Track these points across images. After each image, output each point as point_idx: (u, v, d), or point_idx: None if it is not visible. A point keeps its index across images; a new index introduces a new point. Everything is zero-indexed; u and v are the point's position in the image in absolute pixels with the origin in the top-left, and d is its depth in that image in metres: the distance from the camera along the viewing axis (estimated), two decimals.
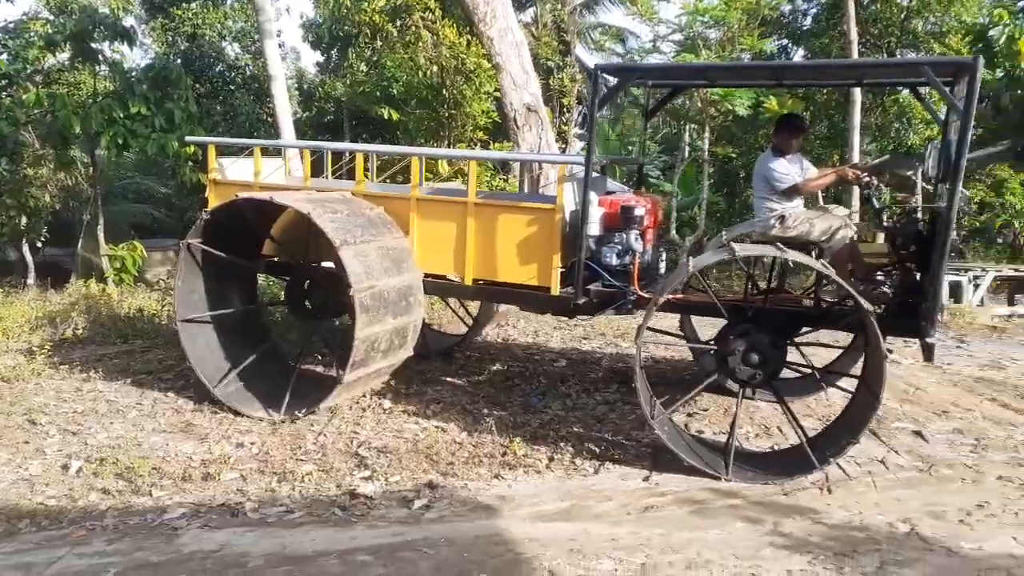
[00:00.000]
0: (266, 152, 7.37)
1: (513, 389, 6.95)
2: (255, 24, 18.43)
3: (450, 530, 4.34)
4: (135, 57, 22.13)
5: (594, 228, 5.78)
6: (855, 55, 14.89)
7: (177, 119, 11.93)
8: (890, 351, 5.34)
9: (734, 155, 15.31)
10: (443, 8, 13.91)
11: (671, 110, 15.60)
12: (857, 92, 14.89)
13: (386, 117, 15.17)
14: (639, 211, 5.76)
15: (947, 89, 5.02)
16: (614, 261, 5.76)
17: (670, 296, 5.26)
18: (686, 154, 14.30)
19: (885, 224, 5.72)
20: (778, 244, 5.26)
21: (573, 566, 3.90)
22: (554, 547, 4.11)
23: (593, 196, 5.77)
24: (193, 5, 20.73)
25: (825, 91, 16.46)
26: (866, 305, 4.75)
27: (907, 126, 15.72)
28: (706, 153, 13.46)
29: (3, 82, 11.65)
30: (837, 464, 5.10)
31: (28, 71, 12.38)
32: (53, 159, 13.08)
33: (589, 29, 22.20)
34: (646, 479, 5.08)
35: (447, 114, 13.27)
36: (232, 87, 21.11)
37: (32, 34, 12.09)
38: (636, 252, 5.72)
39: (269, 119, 18.89)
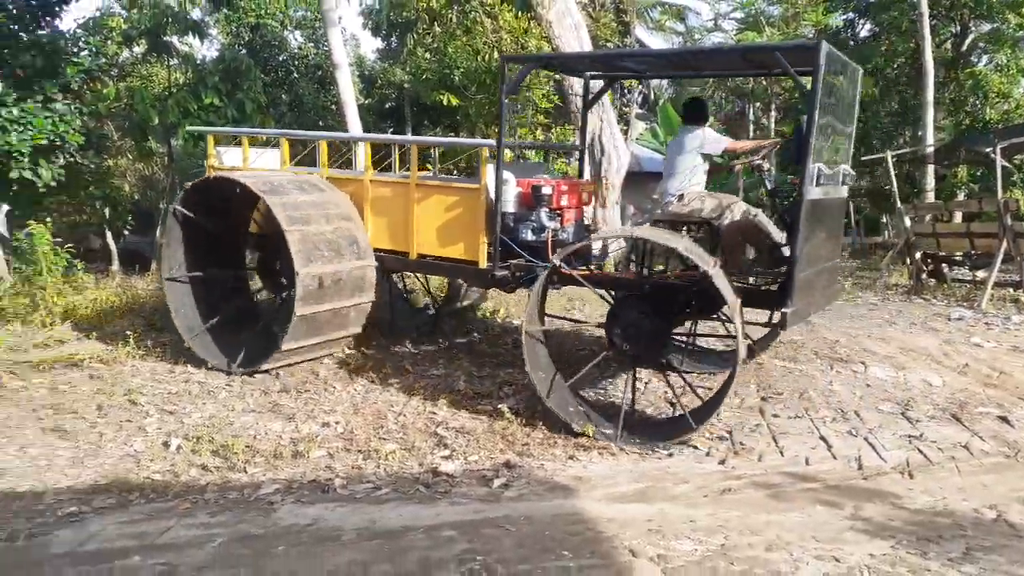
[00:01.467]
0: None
1: (585, 373, 7.03)
2: (317, 12, 18.77)
3: (529, 508, 4.48)
4: (201, 49, 22.76)
5: (510, 206, 6.31)
6: (926, 28, 14.42)
7: (247, 109, 12.30)
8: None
9: None
10: None
11: (733, 88, 15.38)
12: (929, 64, 14.45)
13: (446, 103, 15.34)
14: (546, 190, 6.25)
15: (797, 74, 5.33)
16: (530, 237, 6.29)
17: (564, 269, 5.69)
18: (750, 132, 14.10)
19: (778, 205, 5.96)
20: (635, 229, 5.82)
21: (652, 545, 3.99)
22: (632, 527, 4.21)
23: (511, 177, 6.32)
24: None
25: (895, 65, 16.00)
26: (711, 272, 5.02)
27: (983, 100, 15.19)
28: (771, 132, 13.25)
29: (85, 78, 12.14)
30: (874, 450, 5.25)
31: (106, 66, 12.89)
32: (133, 150, 13.61)
33: (648, 8, 21.93)
34: (722, 462, 5.13)
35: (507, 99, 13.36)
36: (296, 75, 21.54)
37: (110, 30, 12.56)
38: (548, 229, 6.21)
39: (333, 107, 19.25)
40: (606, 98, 13.30)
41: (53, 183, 11.57)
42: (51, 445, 5.40)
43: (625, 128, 14.32)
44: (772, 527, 4.18)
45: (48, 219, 11.11)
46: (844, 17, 17.48)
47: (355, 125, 12.81)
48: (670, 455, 5.27)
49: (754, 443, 5.42)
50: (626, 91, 15.38)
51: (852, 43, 17.00)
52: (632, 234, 5.68)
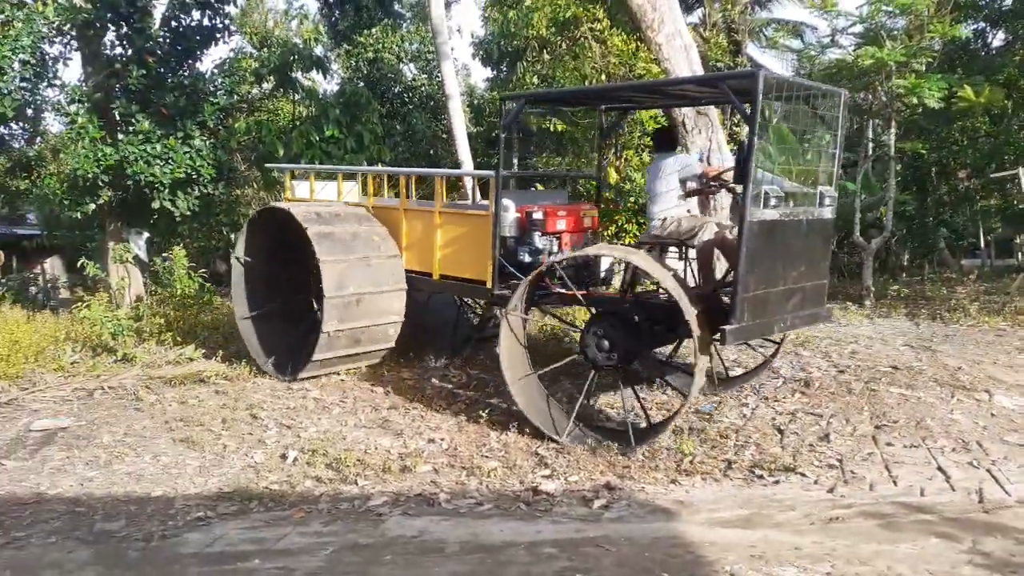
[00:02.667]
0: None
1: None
2: (430, 45, 19.48)
3: (630, 530, 4.48)
4: (323, 83, 24.03)
5: (509, 231, 6.77)
6: None
7: (366, 140, 12.91)
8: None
9: (924, 151, 14.31)
10: (610, 17, 14.07)
11: (851, 106, 14.83)
12: None
13: (552, 129, 15.54)
14: (537, 215, 6.73)
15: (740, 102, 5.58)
16: (527, 259, 6.66)
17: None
18: (869, 151, 13.52)
19: None
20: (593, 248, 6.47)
21: (755, 571, 3.92)
22: (735, 552, 4.14)
23: (511, 204, 6.81)
24: (374, 31, 22.22)
25: None
26: (675, 294, 5.39)
27: None
28: (892, 150, 12.68)
29: (221, 115, 13.11)
30: (997, 483, 4.81)
31: (239, 103, 13.87)
32: (259, 180, 14.51)
33: (761, 27, 21.52)
34: (830, 490, 4.96)
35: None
36: (410, 106, 22.38)
37: (243, 70, 13.52)
38: (541, 251, 6.63)
39: (444, 135, 19.86)
40: (715, 117, 13.13)
41: (188, 212, 12.52)
42: (181, 454, 5.84)
43: (734, 148, 14.05)
44: (882, 558, 4.01)
45: (181, 245, 12.01)
46: (974, 27, 16.56)
47: (465, 153, 13.20)
48: (776, 483, 5.14)
49: (865, 472, 5.20)
50: (734, 111, 15.12)
51: (983, 54, 16.09)
52: (606, 253, 6.36)
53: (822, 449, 5.64)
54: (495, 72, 23.86)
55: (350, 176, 9.33)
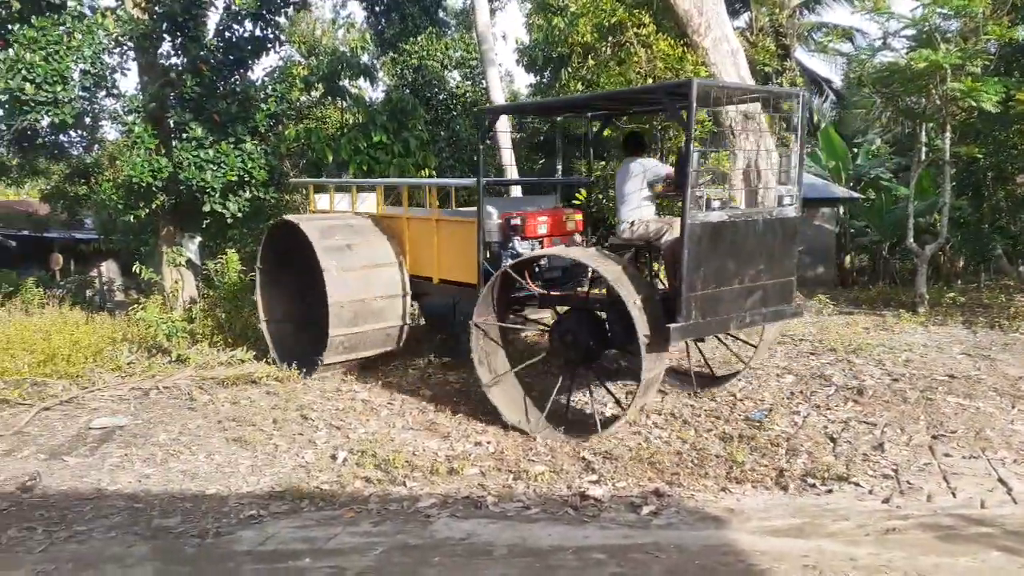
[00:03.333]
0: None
1: (736, 404, 6.88)
2: (474, 52, 19.62)
3: (679, 537, 4.44)
4: (370, 90, 24.35)
5: (494, 236, 7.09)
6: None
7: (412, 146, 13.04)
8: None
9: (980, 155, 13.93)
10: (656, 23, 14.00)
11: (904, 109, 14.52)
12: None
13: (597, 133, 15.49)
14: (515, 220, 7.00)
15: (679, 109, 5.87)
16: (509, 263, 6.73)
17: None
18: (923, 155, 13.21)
19: None
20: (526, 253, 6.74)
21: None
22: (787, 562, 4.08)
23: (494, 210, 7.19)
24: (419, 39, 22.46)
25: None
26: (622, 292, 5.62)
27: None
28: (947, 154, 12.37)
29: (272, 122, 13.36)
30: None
31: (288, 110, 14.12)
32: (306, 186, 14.70)
33: (810, 30, 21.21)
34: (886, 501, 4.85)
35: (660, 126, 13.32)
36: (454, 113, 22.53)
37: (292, 77, 13.77)
38: (521, 255, 6.75)
39: (488, 141, 19.96)
40: (763, 121, 12.95)
41: (239, 214, 12.78)
42: (234, 453, 5.96)
43: (783, 152, 13.86)
44: (941, 571, 3.91)
45: (233, 248, 12.25)
46: None
47: (508, 158, 13.24)
48: (829, 492, 5.05)
49: (923, 482, 5.08)
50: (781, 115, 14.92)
51: None
52: (560, 254, 6.56)
53: (876, 458, 5.52)
54: (539, 78, 23.90)
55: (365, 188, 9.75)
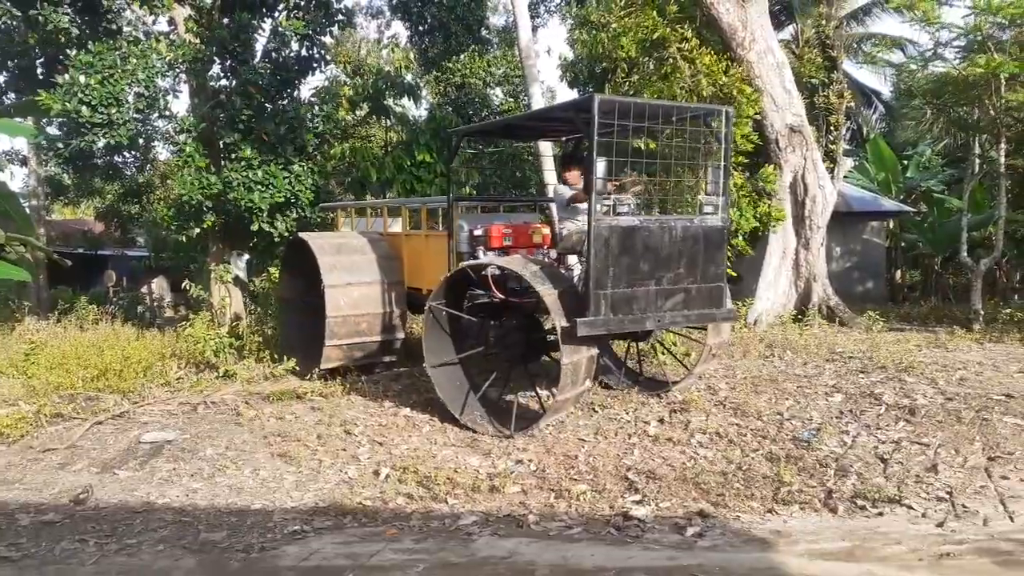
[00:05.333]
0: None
1: (783, 424, 6.75)
2: (517, 69, 19.74)
3: (725, 559, 4.35)
4: (413, 109, 24.66)
5: (464, 247, 7.72)
6: None
7: (454, 164, 13.12)
8: None
9: None
10: (700, 37, 13.92)
11: (956, 120, 14.18)
12: None
13: (642, 148, 15.43)
14: (478, 232, 7.65)
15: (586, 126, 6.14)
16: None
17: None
18: (976, 167, 12.89)
19: None
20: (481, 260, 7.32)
21: None
22: None
23: (464, 224, 7.80)
24: (462, 56, 22.71)
25: None
26: (540, 291, 6.24)
27: None
28: (1002, 166, 12.04)
29: (318, 141, 13.61)
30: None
31: (334, 130, 14.38)
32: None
33: (858, 42, 20.87)
34: (940, 524, 4.70)
35: (704, 141, 13.21)
36: None
37: (339, 97, 14.02)
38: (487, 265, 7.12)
39: (530, 157, 20.02)
40: (809, 135, 12.76)
41: (286, 234, 13.02)
42: (278, 468, 6.02)
43: (832, 166, 13.62)
44: None
45: (279, 266, 12.45)
46: None
47: (551, 174, 13.25)
48: (880, 514, 4.90)
49: (978, 506, 4.91)
50: (831, 127, 14.67)
51: None
52: (491, 262, 7.02)
53: (930, 480, 5.36)
54: (582, 93, 23.94)
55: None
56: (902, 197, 18.16)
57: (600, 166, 6.35)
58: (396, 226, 9.60)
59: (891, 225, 18.06)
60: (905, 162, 19.73)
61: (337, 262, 8.53)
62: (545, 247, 7.92)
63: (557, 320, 6.12)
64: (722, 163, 6.86)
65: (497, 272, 6.96)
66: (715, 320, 7.07)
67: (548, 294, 6.25)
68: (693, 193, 7.31)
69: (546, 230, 8.05)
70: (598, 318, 6.15)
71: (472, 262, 7.31)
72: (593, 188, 6.03)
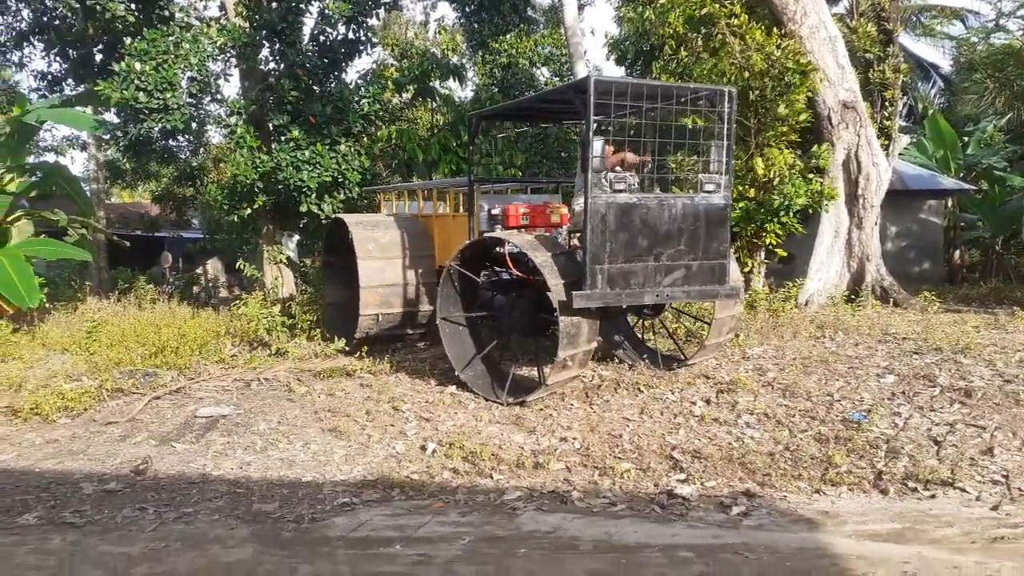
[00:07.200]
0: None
1: (833, 404, 6.64)
2: (563, 49, 19.58)
3: (770, 539, 4.33)
4: (459, 90, 24.67)
5: (484, 226, 7.92)
6: None
7: (500, 144, 13.13)
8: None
9: None
10: (749, 12, 13.61)
11: (1019, 94, 13.67)
12: None
13: (690, 125, 15.20)
14: (496, 211, 7.87)
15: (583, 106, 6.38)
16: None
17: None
18: None
19: None
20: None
21: None
22: (885, 567, 3.92)
23: (484, 204, 8.08)
24: (509, 36, 22.61)
25: None
26: (542, 267, 6.43)
27: None
28: None
29: (365, 123, 13.73)
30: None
31: (381, 111, 14.48)
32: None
33: (916, 13, 20.18)
34: (995, 508, 4.60)
35: (755, 119, 12.96)
36: None
37: (385, 79, 14.10)
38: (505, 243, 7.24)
39: (575, 137, 19.89)
40: (863, 111, 12.41)
41: (333, 214, 13.20)
42: (328, 443, 6.16)
43: (887, 143, 13.24)
44: None
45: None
46: None
47: (598, 152, 13.17)
48: (932, 497, 4.82)
49: None
50: (886, 103, 14.24)
51: None
52: (497, 235, 7.29)
53: (985, 463, 5.24)
54: (628, 72, 23.64)
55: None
56: (962, 175, 17.57)
57: (597, 145, 6.45)
58: (430, 208, 9.82)
59: (949, 204, 17.51)
60: (965, 138, 19.05)
61: (370, 236, 9.09)
62: (564, 227, 8.01)
63: (552, 282, 6.36)
64: (724, 142, 6.90)
65: (515, 250, 7.10)
66: (718, 296, 7.15)
67: (545, 263, 6.49)
68: (704, 171, 7.28)
69: (564, 210, 8.14)
70: (595, 291, 6.34)
71: (479, 237, 7.68)
72: (590, 167, 6.20)
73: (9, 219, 11.72)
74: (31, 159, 16.30)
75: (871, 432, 5.90)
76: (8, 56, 16.76)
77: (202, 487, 5.31)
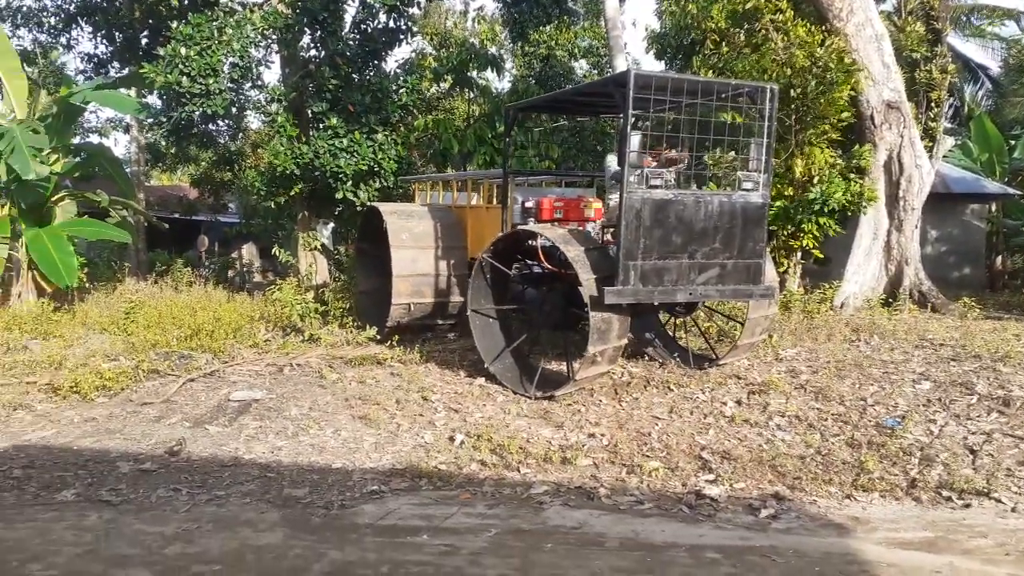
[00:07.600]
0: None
1: (866, 409, 6.55)
2: (602, 41, 19.46)
3: (799, 542, 4.29)
4: (496, 81, 24.63)
5: (517, 218, 7.95)
6: None
7: (535, 137, 13.11)
8: None
9: None
10: (794, 7, 13.39)
11: None
12: None
13: (730, 121, 15.02)
14: (529, 204, 7.82)
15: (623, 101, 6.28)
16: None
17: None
18: None
19: None
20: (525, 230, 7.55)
21: None
22: None
23: (519, 197, 8.07)
24: (548, 28, 22.49)
25: None
26: (573, 261, 6.44)
27: None
28: None
29: (402, 113, 13.79)
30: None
31: (418, 101, 14.53)
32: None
33: (966, 13, 19.70)
34: None
35: (795, 116, 12.77)
36: None
37: (423, 69, 14.14)
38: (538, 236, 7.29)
39: (611, 131, 19.77)
40: (907, 111, 12.16)
41: (369, 202, 13.30)
42: (358, 430, 6.23)
43: (931, 145, 12.96)
44: None
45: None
46: None
47: (635, 147, 13.08)
48: (966, 506, 4.73)
49: None
50: (931, 103, 13.95)
51: None
52: (530, 228, 7.32)
53: (1021, 474, 5.13)
54: (669, 66, 23.38)
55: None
56: (1007, 179, 17.15)
57: (635, 140, 6.40)
58: (464, 199, 9.88)
59: (993, 208, 17.10)
60: (1012, 142, 18.58)
61: (404, 226, 9.12)
62: (597, 221, 7.98)
63: (583, 276, 6.31)
64: (764, 139, 6.79)
65: (548, 244, 7.10)
66: (752, 296, 7.07)
67: (578, 258, 6.47)
68: (743, 169, 7.21)
69: (598, 204, 8.08)
70: (627, 287, 6.31)
71: (512, 229, 7.70)
72: (626, 161, 6.13)
73: (53, 199, 11.98)
74: (76, 140, 16.62)
75: (905, 439, 5.81)
76: (56, 38, 17.07)
77: (234, 470, 5.39)
